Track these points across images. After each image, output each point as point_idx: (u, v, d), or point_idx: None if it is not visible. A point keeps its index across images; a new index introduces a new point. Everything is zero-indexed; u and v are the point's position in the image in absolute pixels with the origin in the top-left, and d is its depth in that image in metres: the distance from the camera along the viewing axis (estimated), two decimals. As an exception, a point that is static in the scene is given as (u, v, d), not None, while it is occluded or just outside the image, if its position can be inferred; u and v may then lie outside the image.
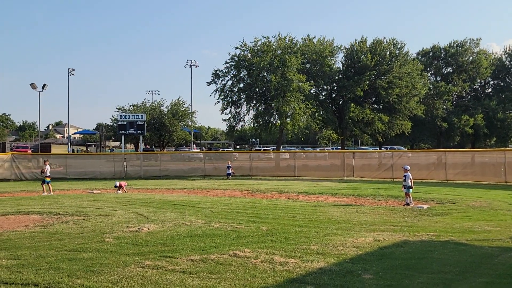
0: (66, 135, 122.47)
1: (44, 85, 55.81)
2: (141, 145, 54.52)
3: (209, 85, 43.49)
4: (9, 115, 60.54)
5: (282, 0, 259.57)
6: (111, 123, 69.46)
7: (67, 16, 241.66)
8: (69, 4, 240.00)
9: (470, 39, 53.90)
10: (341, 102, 45.41)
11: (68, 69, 68.25)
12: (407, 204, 16.22)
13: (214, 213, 14.49)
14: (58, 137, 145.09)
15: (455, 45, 53.69)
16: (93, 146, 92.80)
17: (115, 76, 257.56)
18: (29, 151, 57.33)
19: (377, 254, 8.67)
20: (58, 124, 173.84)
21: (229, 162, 34.72)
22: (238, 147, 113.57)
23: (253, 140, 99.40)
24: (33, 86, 54.58)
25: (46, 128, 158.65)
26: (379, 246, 9.33)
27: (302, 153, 44.52)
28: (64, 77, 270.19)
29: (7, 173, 35.08)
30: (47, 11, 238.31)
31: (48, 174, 23.64)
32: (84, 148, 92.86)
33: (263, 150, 65.06)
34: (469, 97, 56.12)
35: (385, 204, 17.38)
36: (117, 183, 23.78)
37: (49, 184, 23.30)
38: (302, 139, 50.69)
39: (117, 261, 8.28)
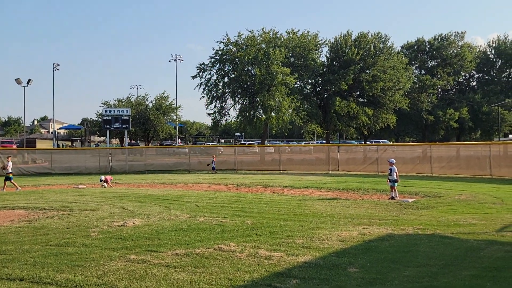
0: (51, 130, 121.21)
1: (29, 80, 55.23)
2: (126, 140, 54.20)
3: (193, 78, 43.41)
4: (-6, 110, 60.67)
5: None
6: (96, 118, 68.89)
7: (53, 10, 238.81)
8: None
9: (454, 32, 54.50)
10: (325, 96, 45.60)
11: (53, 64, 67.42)
12: (392, 198, 16.32)
13: (199, 207, 14.47)
14: (43, 132, 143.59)
15: (439, 39, 54.06)
16: (78, 141, 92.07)
17: (100, 71, 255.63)
18: (15, 146, 56.66)
19: (363, 248, 8.70)
20: (44, 119, 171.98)
21: (214, 156, 34.70)
22: (223, 141, 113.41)
23: (238, 134, 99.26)
24: (18, 81, 53.99)
25: (31, 123, 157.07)
26: (365, 240, 9.38)
27: (287, 147, 44.64)
28: (49, 72, 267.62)
29: (-9, 168, 34.61)
30: (32, 5, 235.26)
31: (10, 170, 22.84)
32: (69, 143, 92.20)
33: (248, 144, 64.97)
34: (453, 90, 56.73)
35: (370, 197, 17.48)
36: (103, 178, 23.67)
37: (12, 181, 22.35)
38: (286, 133, 50.65)
39: (103, 256, 8.23)
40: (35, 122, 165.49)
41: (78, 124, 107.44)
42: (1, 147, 46.73)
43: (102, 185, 22.91)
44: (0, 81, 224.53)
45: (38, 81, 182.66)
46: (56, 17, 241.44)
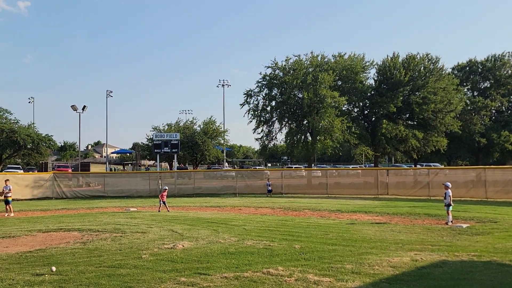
0: (104, 154, 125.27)
1: (84, 106, 57.31)
2: (175, 164, 55.14)
3: (242, 106, 44.13)
4: (52, 136, 62.89)
5: (308, 23, 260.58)
6: (147, 142, 70.65)
7: (105, 38, 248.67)
8: (106, 27, 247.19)
9: (508, 52, 52.63)
10: (373, 118, 44.98)
11: (107, 91, 70.16)
12: (446, 223, 15.85)
13: (246, 230, 14.50)
14: (96, 156, 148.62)
15: (492, 59, 52.48)
16: (129, 165, 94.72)
17: (150, 97, 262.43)
18: (70, 170, 58.75)
19: (415, 274, 8.46)
20: (97, 144, 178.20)
21: (268, 179, 34.92)
22: (269, 165, 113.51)
23: (285, 158, 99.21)
24: (73, 107, 56.12)
25: (85, 148, 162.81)
26: (417, 266, 9.12)
27: (334, 171, 44.14)
28: (102, 98, 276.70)
29: (49, 191, 36.21)
30: (85, 35, 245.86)
31: (10, 194, 22.81)
32: (121, 167, 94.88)
33: (295, 167, 64.74)
34: (508, 111, 54.69)
35: (422, 222, 16.99)
36: (166, 188, 23.91)
37: (10, 205, 22.55)
38: (340, 154, 49.88)
39: (154, 278, 8.37)
40: (89, 147, 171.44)
41: (129, 149, 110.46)
42: (57, 171, 48.56)
43: (163, 191, 23.14)
44: (57, 107, 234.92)
45: (92, 107, 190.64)
46: (110, 47, 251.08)
